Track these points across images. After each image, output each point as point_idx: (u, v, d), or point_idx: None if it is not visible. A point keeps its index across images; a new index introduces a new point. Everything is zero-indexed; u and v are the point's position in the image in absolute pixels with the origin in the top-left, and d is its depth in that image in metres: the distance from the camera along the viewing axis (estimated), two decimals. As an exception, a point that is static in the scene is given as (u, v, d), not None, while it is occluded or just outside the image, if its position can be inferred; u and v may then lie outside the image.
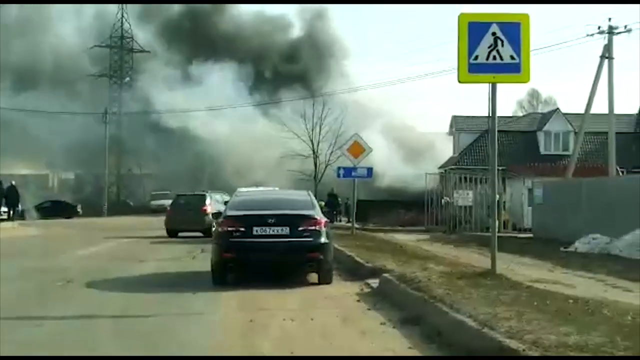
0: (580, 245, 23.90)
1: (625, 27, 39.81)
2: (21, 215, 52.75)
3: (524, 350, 7.27)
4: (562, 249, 23.63)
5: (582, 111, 41.18)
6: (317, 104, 45.94)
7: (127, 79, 76.56)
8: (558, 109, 56.61)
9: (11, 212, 49.51)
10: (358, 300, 13.22)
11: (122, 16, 79.99)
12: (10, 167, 56.48)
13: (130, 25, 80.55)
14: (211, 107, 67.98)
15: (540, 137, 51.80)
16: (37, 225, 43.20)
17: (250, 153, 63.04)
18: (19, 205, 52.22)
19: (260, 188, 25.41)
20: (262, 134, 60.02)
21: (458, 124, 54.33)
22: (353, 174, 30.64)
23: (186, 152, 68.86)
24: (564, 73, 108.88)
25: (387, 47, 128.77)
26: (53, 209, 60.47)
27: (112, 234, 34.01)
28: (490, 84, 13.66)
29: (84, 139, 66.55)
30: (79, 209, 63.12)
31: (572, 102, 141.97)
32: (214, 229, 19.04)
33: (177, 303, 12.95)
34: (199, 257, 20.04)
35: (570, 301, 10.57)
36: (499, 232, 15.18)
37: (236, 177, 55.10)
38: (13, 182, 49.41)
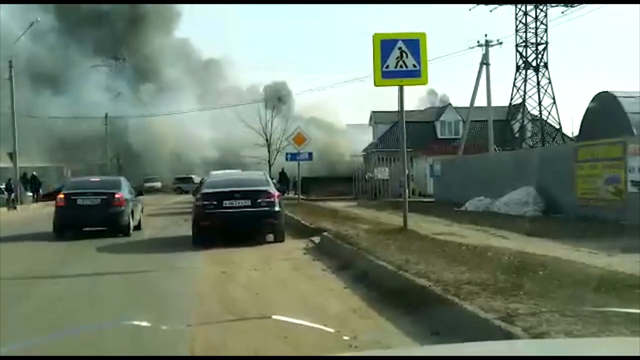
0: (469, 206, 24.11)
1: (498, 40, 40.47)
2: (43, 198, 51.66)
3: (430, 286, 7.35)
4: (456, 209, 23.78)
5: (468, 104, 41.62)
6: (269, 106, 45.65)
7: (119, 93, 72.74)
8: (450, 103, 56.99)
9: (35, 196, 48.86)
10: (305, 253, 13.23)
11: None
12: (33, 161, 55.00)
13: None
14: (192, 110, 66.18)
15: (438, 125, 52.14)
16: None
17: (219, 144, 62.23)
18: (40, 191, 51.33)
19: (228, 171, 25.14)
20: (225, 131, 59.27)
21: (376, 117, 54.45)
22: (298, 157, 30.85)
23: (157, 145, 66.61)
24: (454, 76, 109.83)
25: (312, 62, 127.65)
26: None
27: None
28: (399, 86, 13.69)
29: (87, 136, 64.80)
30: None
31: (460, 98, 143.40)
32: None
33: (167, 261, 12.84)
34: (183, 226, 19.83)
35: (463, 247, 10.69)
36: (408, 198, 15.26)
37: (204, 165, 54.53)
38: (34, 173, 48.65)
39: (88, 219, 18.30)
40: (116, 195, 18.44)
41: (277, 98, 48.30)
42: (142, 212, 20.93)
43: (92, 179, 21.42)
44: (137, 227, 19.47)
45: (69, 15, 70.56)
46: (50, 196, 53.63)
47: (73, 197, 18.56)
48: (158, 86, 70.69)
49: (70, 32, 70.80)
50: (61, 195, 18.93)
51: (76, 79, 67.91)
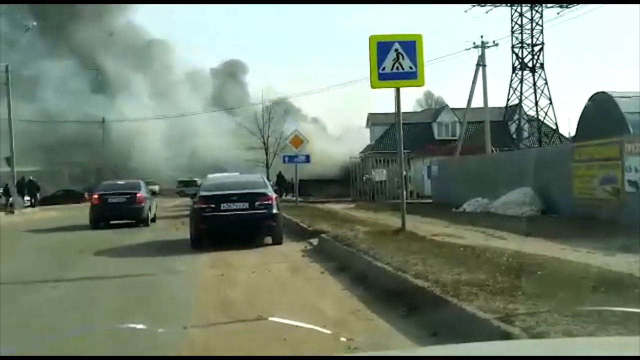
0: (467, 207, 24.10)
1: (494, 41, 40.50)
2: (41, 202, 51.59)
3: (428, 287, 7.33)
4: (454, 210, 23.77)
5: (465, 106, 41.65)
6: (265, 110, 45.58)
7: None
8: (447, 105, 57.10)
9: (33, 200, 48.83)
10: (303, 256, 13.21)
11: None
12: (30, 165, 54.90)
13: None
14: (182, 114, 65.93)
15: (435, 126, 52.19)
16: (54, 209, 42.27)
17: (218, 147, 62.11)
18: (38, 195, 51.27)
19: (225, 174, 25.14)
20: (225, 132, 59.21)
21: (373, 119, 54.53)
22: (295, 160, 30.90)
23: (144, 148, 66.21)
24: (451, 77, 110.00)
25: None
26: (65, 196, 59.24)
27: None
28: (395, 88, 13.69)
29: (84, 141, 64.57)
30: (85, 195, 61.78)
31: (457, 99, 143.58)
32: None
33: (165, 263, 12.81)
34: (180, 229, 19.82)
35: (461, 248, 10.66)
36: (406, 199, 15.25)
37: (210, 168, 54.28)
38: (31, 177, 48.68)
39: (116, 213, 23.22)
40: (138, 195, 23.52)
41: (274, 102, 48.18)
42: (156, 208, 26.11)
43: (118, 182, 26.47)
44: (153, 220, 24.43)
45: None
46: (49, 201, 53.77)
47: (105, 197, 23.58)
48: (124, 82, 70.30)
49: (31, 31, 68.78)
50: (96, 195, 24.06)
51: (40, 80, 66.17)
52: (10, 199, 41.68)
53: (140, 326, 4.60)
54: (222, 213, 15.13)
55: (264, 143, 43.23)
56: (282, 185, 44.46)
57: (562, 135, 50.02)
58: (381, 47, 13.17)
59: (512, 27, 48.89)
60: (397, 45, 13.17)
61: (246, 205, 15.25)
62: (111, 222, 23.20)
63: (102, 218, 23.23)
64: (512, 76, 50.09)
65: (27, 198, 47.50)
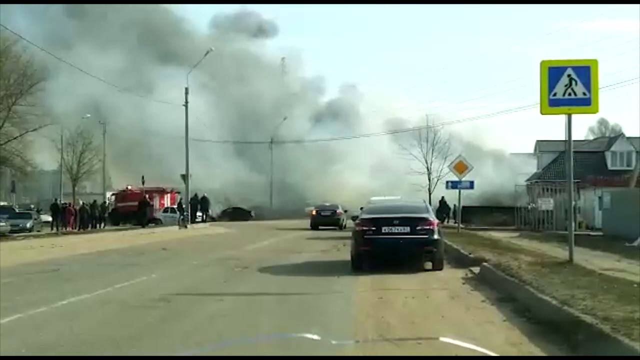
0: (642, 242, 22.84)
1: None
2: (212, 219, 54.27)
3: (597, 323, 6.97)
4: (627, 244, 22.59)
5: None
6: (430, 134, 45.19)
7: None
8: (623, 133, 54.55)
9: (204, 216, 51.28)
10: (463, 283, 12.99)
11: None
12: (204, 183, 57.81)
13: None
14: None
15: (608, 156, 50.00)
16: (223, 226, 44.29)
17: (380, 170, 62.43)
18: (210, 211, 53.79)
19: (387, 197, 25.25)
20: (386, 156, 59.41)
21: (541, 146, 53.02)
22: (458, 186, 30.53)
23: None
24: (628, 104, 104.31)
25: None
26: (234, 214, 61.87)
27: (275, 232, 34.74)
28: (567, 115, 13.23)
29: (254, 162, 67.26)
30: (252, 214, 64.17)
31: (634, 128, 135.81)
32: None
33: (325, 284, 13.03)
34: (341, 250, 20.11)
35: (635, 285, 10.07)
36: (574, 230, 14.61)
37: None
38: (205, 194, 51.14)
39: (325, 221, 40.48)
40: (337, 211, 41.37)
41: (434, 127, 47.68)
42: (346, 219, 38.17)
43: (326, 204, 43.31)
44: (345, 227, 37.36)
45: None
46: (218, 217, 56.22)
47: (319, 211, 41.64)
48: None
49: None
50: (314, 211, 41.97)
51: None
52: (184, 214, 44.06)
53: (315, 337, 4.73)
54: (383, 236, 15.19)
55: (427, 168, 42.95)
56: (444, 210, 43.91)
57: None
58: (552, 72, 12.84)
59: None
60: (569, 71, 12.78)
61: (407, 229, 15.22)
62: (320, 227, 38.92)
63: (317, 224, 39.91)
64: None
65: (199, 214, 49.96)
